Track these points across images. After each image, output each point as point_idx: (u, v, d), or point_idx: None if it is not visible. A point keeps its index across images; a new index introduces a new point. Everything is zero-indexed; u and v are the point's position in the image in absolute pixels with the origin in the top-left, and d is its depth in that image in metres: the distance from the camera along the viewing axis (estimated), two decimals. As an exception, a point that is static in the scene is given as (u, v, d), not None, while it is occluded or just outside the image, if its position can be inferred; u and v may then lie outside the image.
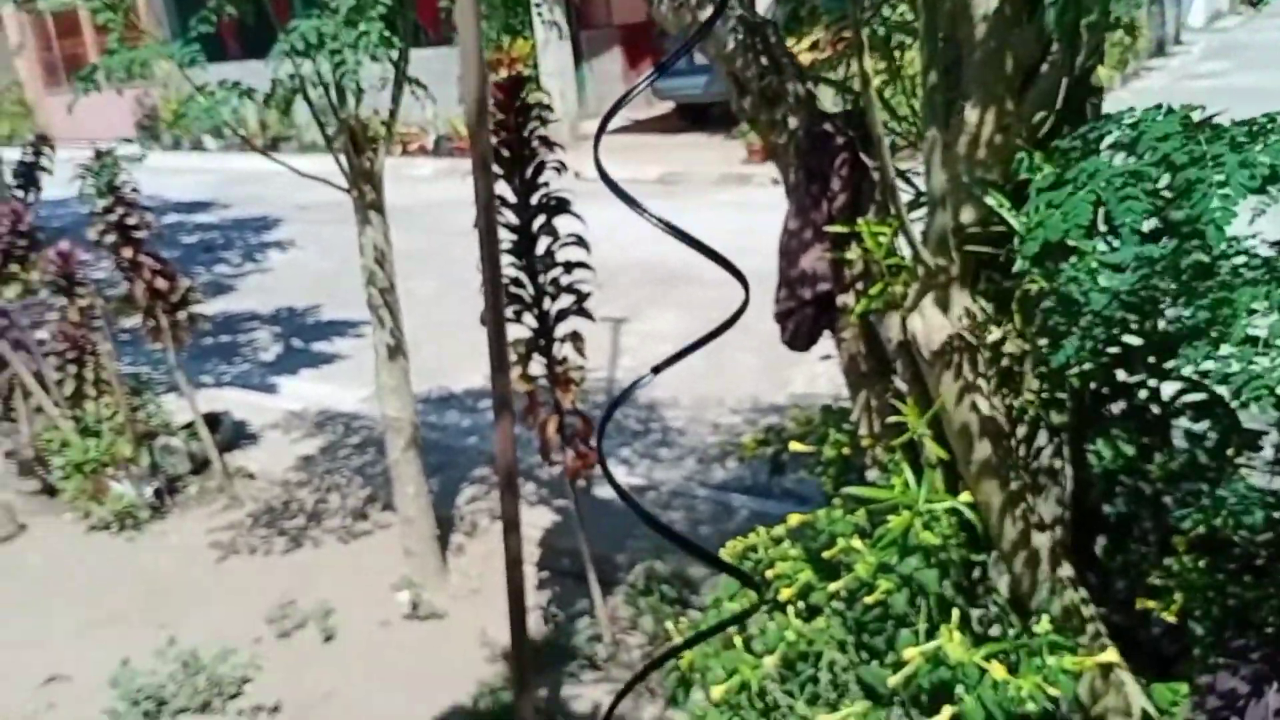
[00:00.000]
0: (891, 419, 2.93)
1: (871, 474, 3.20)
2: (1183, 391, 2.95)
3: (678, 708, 3.15)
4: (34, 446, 7.19)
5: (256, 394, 9.12)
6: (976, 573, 2.93)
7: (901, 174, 2.91)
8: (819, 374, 8.19)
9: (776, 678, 2.85)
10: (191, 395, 7.22)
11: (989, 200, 2.38)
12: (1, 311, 6.99)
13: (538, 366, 4.70)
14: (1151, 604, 2.72)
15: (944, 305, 2.57)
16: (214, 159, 22.92)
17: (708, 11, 3.07)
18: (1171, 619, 2.69)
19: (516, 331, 4.47)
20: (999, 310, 2.87)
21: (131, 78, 5.27)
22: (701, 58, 12.47)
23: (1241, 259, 2.22)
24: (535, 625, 5.38)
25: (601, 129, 1.66)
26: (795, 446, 3.39)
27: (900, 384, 2.99)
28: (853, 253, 2.89)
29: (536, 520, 6.44)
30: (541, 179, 4.42)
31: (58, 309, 7.06)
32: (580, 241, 4.46)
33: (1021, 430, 3.09)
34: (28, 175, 10.07)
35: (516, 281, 4.44)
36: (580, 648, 5.23)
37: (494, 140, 4.17)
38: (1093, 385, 3.08)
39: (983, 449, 2.61)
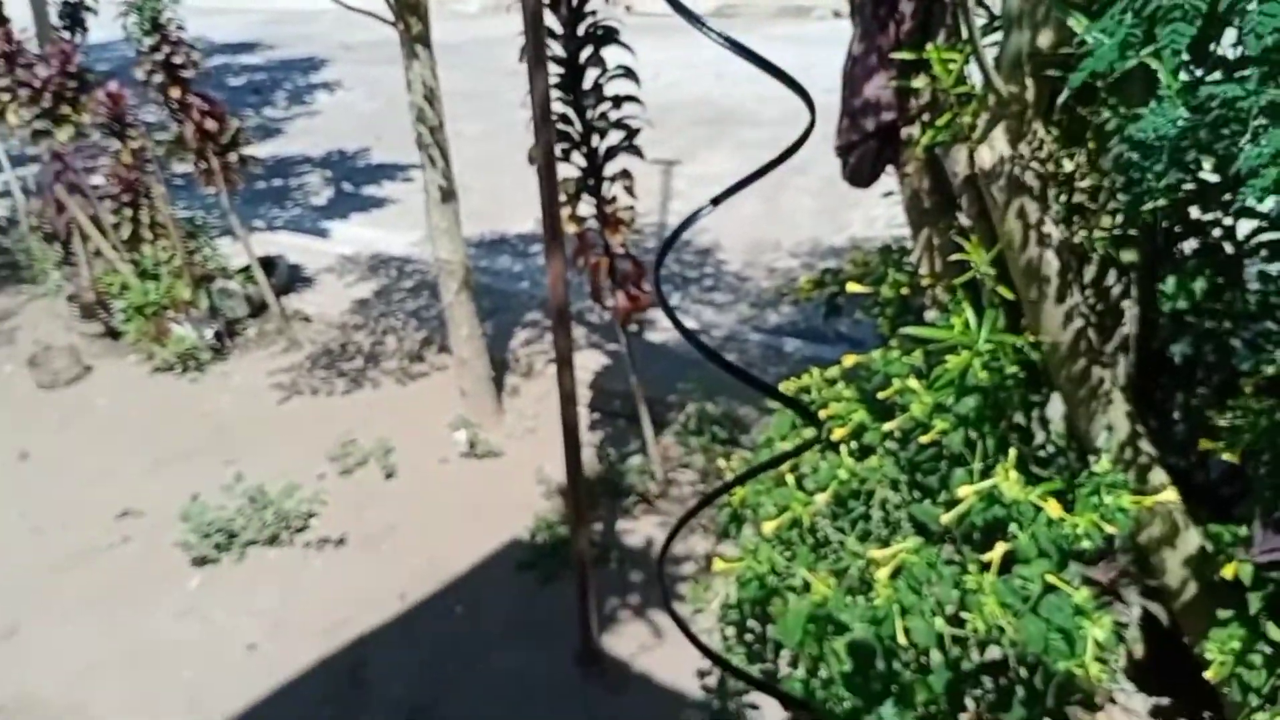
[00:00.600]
0: (954, 257, 2.84)
1: (930, 314, 3.13)
2: (1258, 230, 2.82)
3: (730, 541, 3.20)
4: (95, 290, 7.33)
5: (309, 238, 9.17)
6: (1035, 413, 2.89)
7: (974, -5, 2.73)
8: (877, 217, 8.02)
9: (828, 514, 2.87)
10: (246, 239, 7.27)
11: (1070, 22, 2.22)
12: (56, 154, 7.01)
13: (587, 207, 4.62)
14: (1213, 446, 2.67)
15: (1015, 136, 2.44)
16: (257, -1, 22.49)
17: None
18: (1234, 460, 2.64)
19: (565, 172, 4.38)
20: (1073, 142, 2.73)
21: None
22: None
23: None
24: (589, 463, 5.48)
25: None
26: (853, 287, 3.32)
27: (964, 220, 2.88)
28: (920, 81, 2.74)
29: (588, 363, 6.49)
30: (588, 7, 4.24)
31: (110, 152, 7.06)
32: (629, 74, 4.30)
33: (1089, 269, 3.00)
34: (73, 15, 9.95)
35: (564, 118, 4.32)
36: (633, 485, 5.34)
37: (541, -33, 3.99)
38: (1166, 222, 2.95)
39: (1048, 286, 2.52)
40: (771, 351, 6.49)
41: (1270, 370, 2.74)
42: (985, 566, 2.37)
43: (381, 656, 4.52)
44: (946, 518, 2.44)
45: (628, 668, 4.35)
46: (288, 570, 5.11)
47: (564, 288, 3.42)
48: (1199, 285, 3.07)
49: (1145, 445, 2.74)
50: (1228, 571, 2.49)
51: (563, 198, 4.38)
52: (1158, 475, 2.74)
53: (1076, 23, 2.19)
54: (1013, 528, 2.40)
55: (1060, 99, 2.67)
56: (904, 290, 3.26)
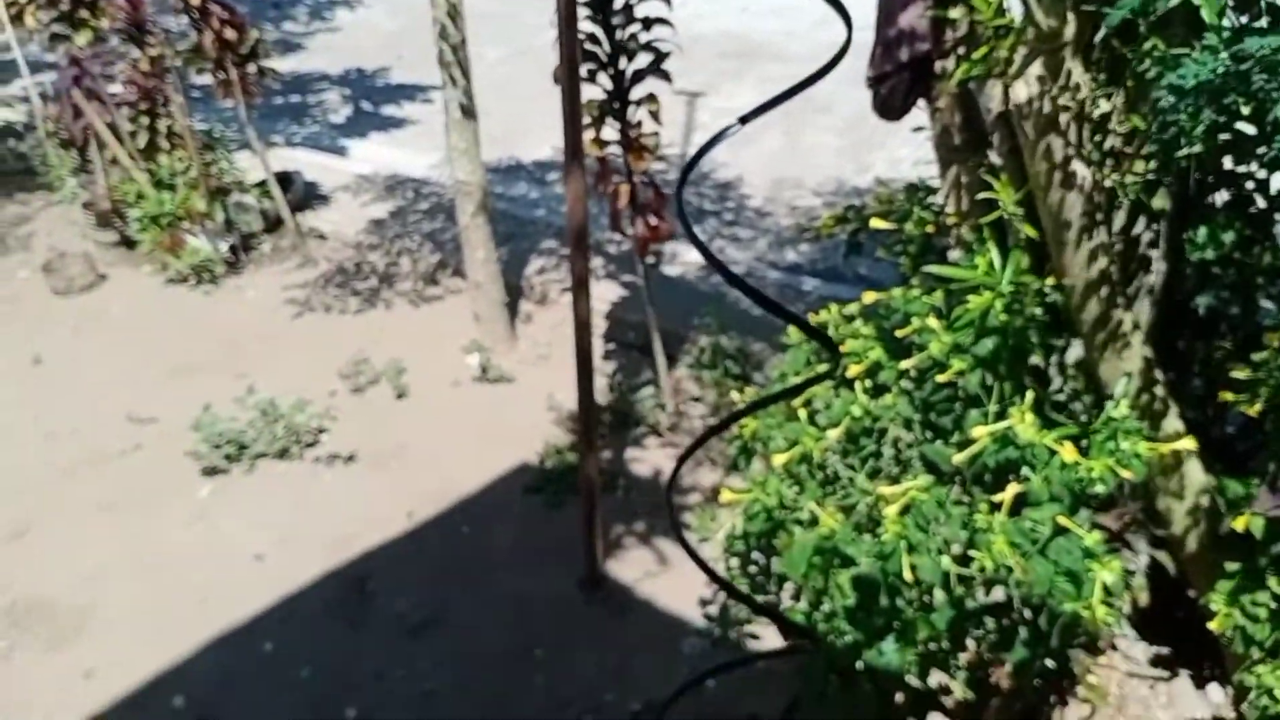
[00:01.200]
0: (981, 195, 2.79)
1: (954, 254, 3.09)
2: (1292, 185, 2.77)
3: (738, 473, 3.20)
4: (110, 198, 7.29)
5: (327, 155, 9.09)
6: (1054, 357, 2.86)
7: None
8: (902, 159, 7.90)
9: (839, 451, 2.86)
10: (263, 153, 7.20)
11: (1117, -47, 2.15)
12: (74, 59, 6.93)
13: (611, 132, 4.55)
14: (1233, 398, 2.64)
15: (1053, 73, 2.38)
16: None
17: None
18: (1253, 413, 2.61)
19: (591, 95, 4.31)
20: (1111, 82, 2.66)
21: None
22: None
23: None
24: (600, 392, 5.48)
25: None
26: (876, 223, 3.27)
27: (995, 159, 2.82)
28: (957, 11, 2.67)
29: (604, 293, 6.46)
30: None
31: (128, 58, 6.97)
32: (660, -5, 4.21)
33: (1119, 215, 2.95)
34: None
35: (592, 38, 4.24)
36: (644, 415, 5.35)
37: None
38: (1198, 172, 2.90)
39: (1077, 227, 2.48)
40: (790, 290, 6.45)
41: (1296, 324, 2.70)
42: (995, 507, 2.36)
43: (388, 572, 4.58)
44: (959, 458, 2.43)
45: (631, 593, 4.40)
46: (297, 484, 5.15)
47: (583, 207, 3.38)
48: (1228, 237, 3.02)
49: (1162, 393, 2.72)
50: (1238, 524, 2.48)
51: (586, 120, 4.32)
52: (1173, 423, 2.72)
53: (1125, -46, 2.12)
54: (1025, 470, 2.39)
55: (1100, 35, 2.60)
56: (928, 228, 3.21)
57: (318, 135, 9.61)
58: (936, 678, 2.76)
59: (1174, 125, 2.27)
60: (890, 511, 2.47)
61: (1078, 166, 2.42)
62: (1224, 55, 2.05)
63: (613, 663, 4.09)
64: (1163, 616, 3.15)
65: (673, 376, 5.50)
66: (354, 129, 9.71)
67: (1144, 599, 3.09)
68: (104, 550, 4.76)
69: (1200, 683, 3.16)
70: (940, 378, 2.63)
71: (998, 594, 2.62)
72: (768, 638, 3.56)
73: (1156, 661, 3.22)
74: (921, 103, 3.01)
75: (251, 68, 6.72)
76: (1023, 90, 2.41)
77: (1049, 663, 2.66)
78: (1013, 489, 2.34)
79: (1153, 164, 2.76)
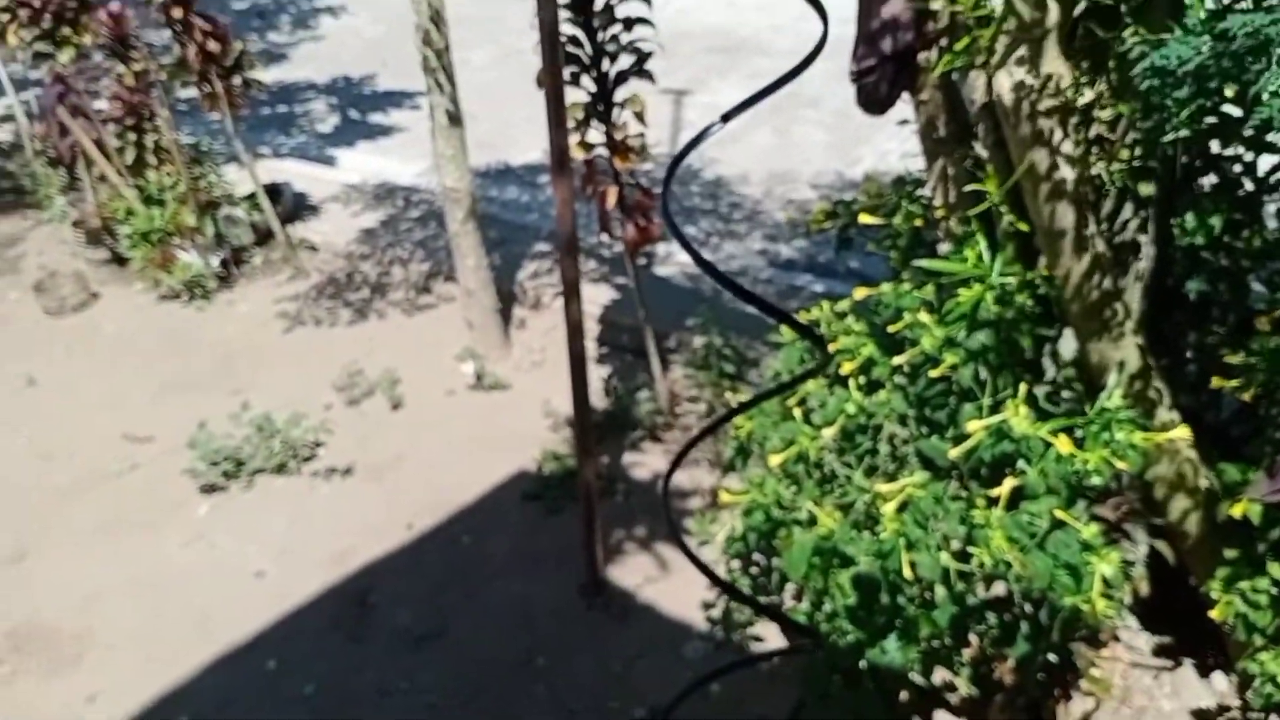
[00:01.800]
0: (969, 187, 2.78)
1: (943, 247, 3.08)
2: (1279, 168, 2.76)
3: (736, 474, 3.19)
4: (100, 215, 7.27)
5: (315, 166, 9.06)
6: (1046, 348, 2.85)
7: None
8: (889, 151, 7.90)
9: (835, 449, 2.85)
10: (252, 165, 7.18)
11: (1096, -60, 2.14)
12: (58, 77, 6.90)
13: (596, 134, 4.53)
14: (1226, 384, 2.63)
15: (1035, 62, 2.36)
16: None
17: None
18: (1246, 399, 2.60)
19: (575, 97, 4.29)
20: (1094, 70, 2.65)
21: None
22: None
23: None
24: (596, 397, 5.47)
25: None
26: (865, 218, 3.26)
27: (980, 150, 2.81)
28: (938, 3, 2.65)
29: (596, 296, 6.44)
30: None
31: (113, 74, 6.95)
32: (642, -4, 4.19)
33: (1106, 203, 2.94)
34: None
35: (574, 40, 4.22)
36: (640, 419, 5.33)
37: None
38: (1185, 157, 2.88)
39: (1065, 217, 2.46)
40: (783, 286, 6.43)
41: (1288, 308, 2.69)
42: (993, 502, 2.35)
43: (388, 584, 4.56)
44: (955, 453, 2.41)
45: (632, 598, 4.38)
46: (295, 499, 5.13)
47: (571, 214, 3.37)
48: (1217, 221, 3.00)
49: (1156, 381, 2.71)
50: (1236, 511, 2.47)
51: (571, 123, 4.30)
52: (1168, 412, 2.71)
53: (1104, -58, 2.11)
54: (1021, 463, 2.37)
55: (1081, 18, 2.59)
56: (917, 222, 3.20)
57: (305, 145, 9.59)
58: (940, 675, 2.74)
59: (1158, 109, 2.26)
60: (888, 509, 2.46)
61: (1063, 156, 2.41)
62: (1206, 36, 2.04)
63: (615, 669, 4.07)
64: (1164, 605, 3.13)
65: (668, 378, 5.49)
66: (341, 138, 9.69)
67: (1145, 589, 3.08)
68: (104, 572, 4.74)
69: (1204, 671, 3.14)
70: (933, 372, 2.61)
71: (998, 589, 2.60)
72: (771, 639, 3.55)
73: (1160, 651, 3.20)
74: (906, 95, 2.99)
75: (237, 80, 6.70)
76: (1005, 81, 2.39)
77: (1052, 657, 2.65)
78: (1009, 483, 2.32)
79: (1138, 150, 2.75)
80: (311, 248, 7.59)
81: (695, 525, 4.50)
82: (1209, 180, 2.93)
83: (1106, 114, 2.75)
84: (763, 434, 2.99)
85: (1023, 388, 2.45)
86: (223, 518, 5.03)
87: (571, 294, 3.66)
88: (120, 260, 7.36)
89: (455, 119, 5.35)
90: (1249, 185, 2.87)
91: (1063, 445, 2.26)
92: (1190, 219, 2.99)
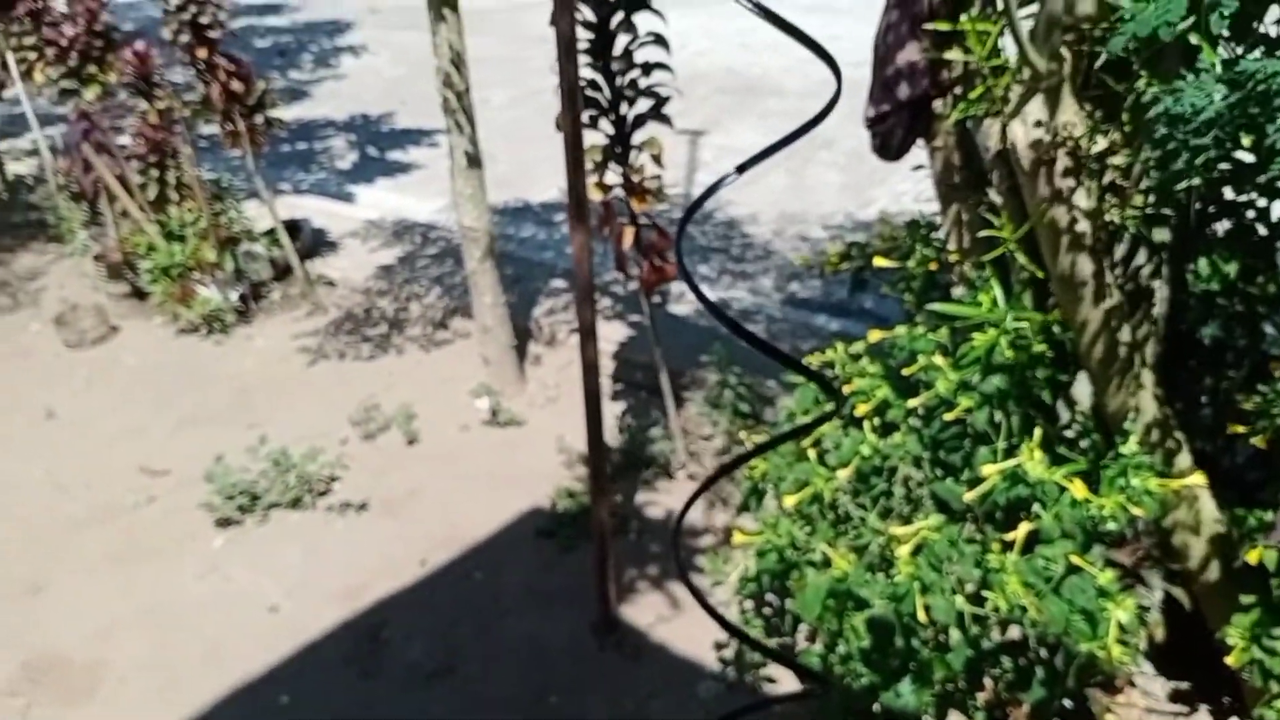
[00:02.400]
0: (983, 233, 2.80)
1: (958, 291, 3.10)
2: (1293, 213, 2.78)
3: (749, 514, 3.20)
4: (121, 250, 7.37)
5: (334, 202, 9.17)
6: (1061, 393, 2.86)
7: (1011, -34, 2.67)
8: (903, 193, 7.95)
9: (849, 490, 2.86)
10: (271, 201, 7.27)
11: (1109, -8, 2.18)
12: (83, 114, 7.03)
13: (614, 175, 4.59)
14: (1241, 429, 2.64)
15: (1049, 111, 2.40)
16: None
17: None
18: (1261, 445, 2.61)
19: (593, 139, 4.35)
20: (1107, 118, 2.68)
21: None
22: None
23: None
24: (610, 434, 5.49)
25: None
26: (879, 261, 3.29)
27: (995, 196, 2.84)
28: (953, 52, 2.70)
29: (611, 334, 6.48)
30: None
31: (137, 111, 7.07)
32: (660, 40, 4.25)
33: (1120, 248, 2.96)
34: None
35: (593, 84, 4.29)
36: (654, 456, 5.34)
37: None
38: (1199, 203, 2.91)
39: (1079, 264, 2.49)
40: (797, 325, 6.46)
41: (1303, 354, 2.70)
42: (1007, 546, 2.36)
43: (401, 620, 4.56)
44: (969, 496, 2.42)
45: (645, 637, 4.38)
46: (310, 533, 5.15)
47: (589, 261, 3.41)
48: (1231, 267, 3.02)
49: (1172, 427, 2.71)
50: (1252, 557, 2.47)
51: (589, 165, 4.36)
52: (1184, 458, 2.71)
53: (1117, -6, 2.15)
54: (1036, 508, 2.38)
55: (1096, 69, 2.63)
56: (931, 265, 3.22)
57: (325, 182, 9.71)
58: (954, 719, 2.73)
59: (1172, 157, 2.28)
60: (903, 551, 2.47)
61: (1077, 204, 2.43)
62: (1220, 84, 2.07)
63: (628, 709, 4.06)
64: (1180, 651, 3.12)
65: (682, 416, 5.51)
66: (361, 175, 9.81)
67: (1160, 634, 3.07)
68: (118, 604, 4.75)
69: (1220, 717, 3.12)
70: (948, 416, 2.63)
71: (1013, 633, 2.60)
72: (784, 679, 3.54)
73: (1175, 697, 3.18)
74: (921, 141, 3.03)
75: (259, 118, 6.81)
76: (1020, 129, 2.43)
77: (1067, 702, 2.64)
78: (1024, 527, 2.33)
79: (1152, 197, 2.78)
80: (329, 283, 7.67)
81: (708, 564, 4.51)
82: (1223, 225, 2.96)
83: (1120, 160, 2.78)
84: (777, 475, 3.00)
85: (1037, 432, 2.47)
86: (237, 551, 5.05)
87: (588, 338, 3.69)
88: (140, 294, 7.45)
89: (474, 159, 5.42)
90: (1262, 230, 2.89)
91: (1078, 490, 2.27)
92: (1204, 265, 3.02)
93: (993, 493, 2.41)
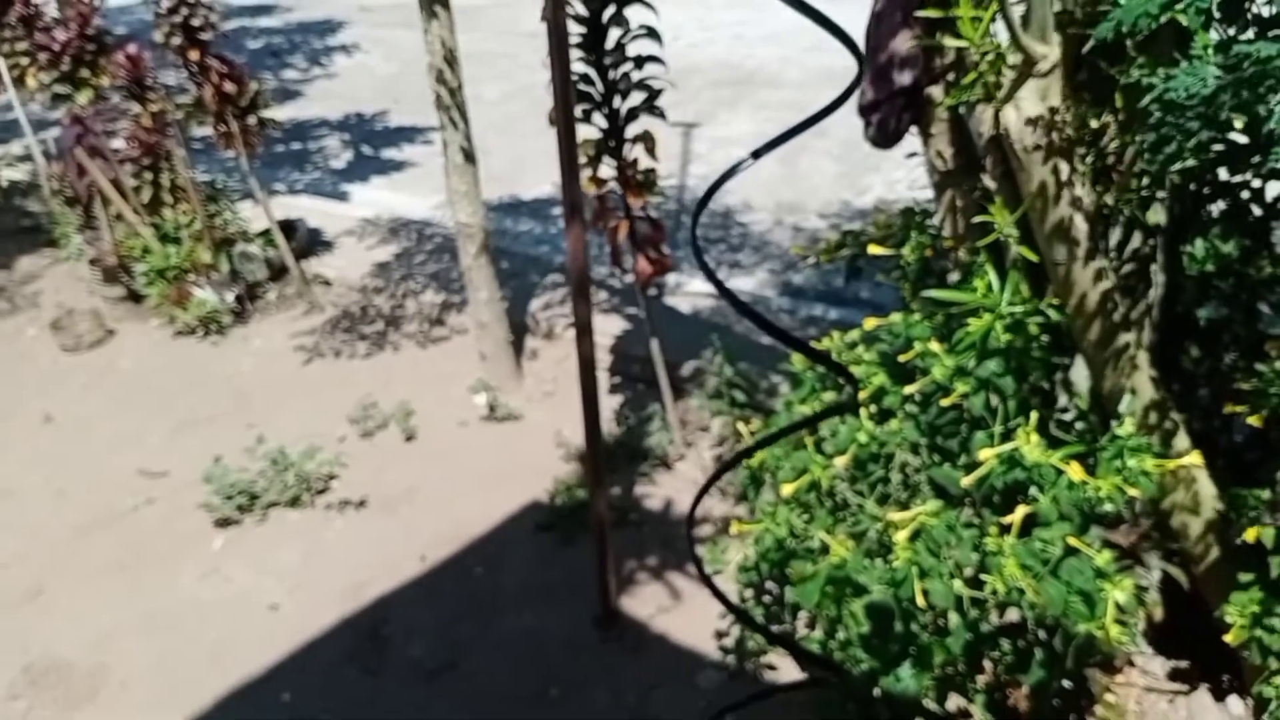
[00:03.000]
0: (977, 219, 2.81)
1: (953, 277, 3.11)
2: (1288, 193, 2.79)
3: (748, 503, 3.21)
4: (116, 253, 7.36)
5: (329, 201, 9.16)
6: (1058, 376, 2.87)
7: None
8: (898, 180, 7.96)
9: (847, 478, 2.87)
10: (266, 202, 7.27)
11: (1099, -25, 2.19)
12: (76, 118, 7.02)
13: (608, 169, 4.59)
14: (1238, 409, 2.65)
15: (1042, 96, 2.40)
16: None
17: None
18: (1258, 424, 2.62)
19: (586, 133, 4.35)
20: (1100, 102, 2.69)
21: None
22: None
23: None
24: (608, 428, 5.49)
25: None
26: (874, 249, 3.29)
27: (989, 182, 2.85)
28: (946, 39, 2.70)
29: (608, 328, 6.48)
30: (611, -33, 4.19)
31: (130, 115, 7.06)
32: (652, 33, 4.25)
33: (1115, 231, 2.97)
34: (91, -22, 9.90)
35: (585, 78, 4.29)
36: (652, 449, 5.35)
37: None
38: (1194, 184, 2.91)
39: (1074, 248, 2.49)
40: (794, 314, 6.47)
41: (1298, 333, 2.71)
42: (1005, 529, 2.37)
43: (402, 616, 4.57)
44: (967, 481, 2.43)
45: (645, 629, 4.38)
46: (309, 532, 5.15)
47: (584, 257, 3.41)
48: (1227, 248, 3.04)
49: (1169, 409, 2.72)
50: (1250, 535, 2.48)
51: (583, 160, 4.36)
52: (1181, 439, 2.72)
53: (1107, -23, 2.15)
54: (1033, 491, 2.39)
55: (1086, 53, 2.63)
56: (926, 252, 3.23)
57: (319, 181, 9.70)
58: (955, 702, 2.75)
59: (1167, 140, 2.29)
60: (900, 537, 2.48)
61: (1072, 187, 2.44)
62: (1213, 66, 2.07)
63: (630, 699, 4.07)
64: (1179, 630, 3.13)
65: (679, 408, 5.51)
66: (355, 173, 9.80)
67: (1159, 614, 3.08)
68: (119, 607, 4.76)
69: (1219, 695, 3.14)
70: (944, 401, 2.64)
71: (1012, 616, 2.61)
72: (785, 668, 3.55)
73: (1175, 675, 3.20)
74: (914, 128, 3.04)
75: (252, 119, 6.79)
76: (1013, 115, 2.43)
77: (1066, 683, 2.65)
78: (1021, 510, 2.34)
79: (1146, 180, 2.78)
80: (325, 282, 7.67)
81: (707, 553, 4.51)
82: (1218, 207, 2.97)
83: (1113, 144, 2.79)
84: (774, 463, 3.01)
85: (1034, 415, 2.48)
86: (237, 551, 5.06)
87: (584, 333, 3.70)
88: (136, 297, 7.44)
89: (469, 156, 5.42)
90: (1257, 211, 2.90)
91: (1074, 472, 2.28)
92: (1200, 246, 3.03)
93: (990, 477, 2.42)
